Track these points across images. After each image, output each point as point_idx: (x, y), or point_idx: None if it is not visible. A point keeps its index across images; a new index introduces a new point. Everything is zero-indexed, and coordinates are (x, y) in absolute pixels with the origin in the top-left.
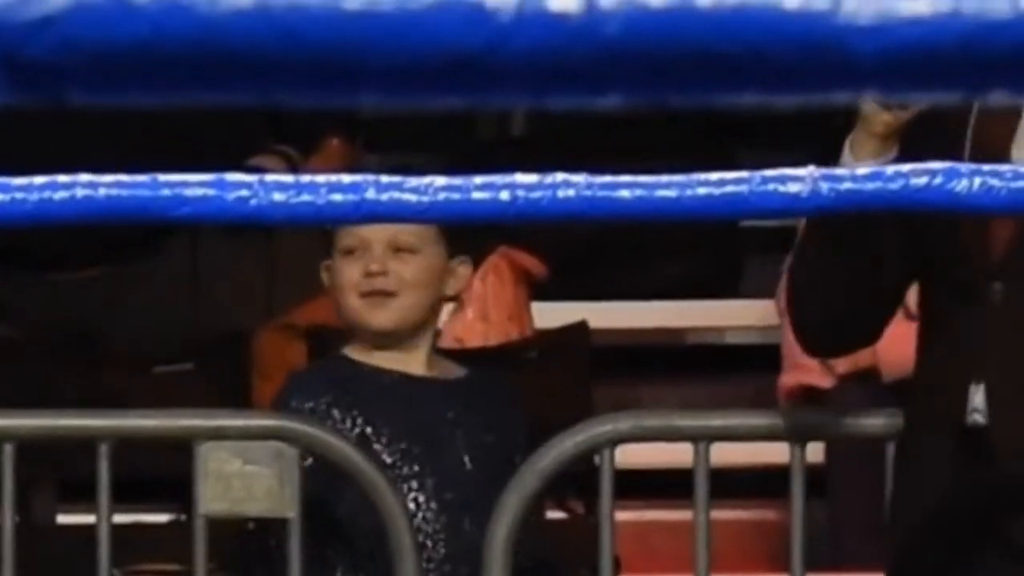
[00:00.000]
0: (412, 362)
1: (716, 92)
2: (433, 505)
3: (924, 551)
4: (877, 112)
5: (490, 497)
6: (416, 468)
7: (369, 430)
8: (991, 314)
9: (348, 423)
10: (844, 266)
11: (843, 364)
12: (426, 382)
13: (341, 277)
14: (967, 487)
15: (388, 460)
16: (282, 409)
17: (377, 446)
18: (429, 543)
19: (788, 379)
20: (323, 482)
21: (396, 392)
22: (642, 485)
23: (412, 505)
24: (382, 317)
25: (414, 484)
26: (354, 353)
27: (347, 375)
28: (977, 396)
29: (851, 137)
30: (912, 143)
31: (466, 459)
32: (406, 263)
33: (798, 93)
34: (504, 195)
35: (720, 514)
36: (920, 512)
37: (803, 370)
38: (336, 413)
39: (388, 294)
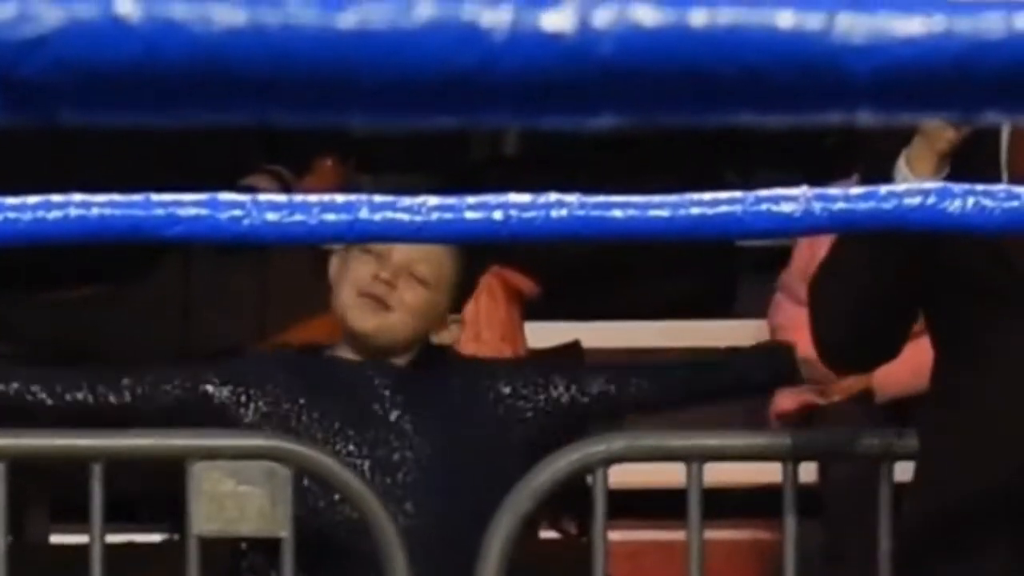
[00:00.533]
0: (395, 358)
1: (710, 112)
2: (377, 483)
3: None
4: (941, 128)
5: (442, 486)
6: (351, 448)
7: (306, 418)
8: None
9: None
10: (878, 281)
11: (838, 389)
12: (379, 367)
13: (349, 270)
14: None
15: (323, 439)
16: (241, 369)
17: (308, 425)
18: None
19: (785, 402)
20: (317, 498)
21: (341, 374)
22: (635, 505)
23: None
24: (369, 322)
25: (351, 462)
26: (334, 349)
27: (303, 359)
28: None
29: (908, 152)
30: (953, 166)
31: (412, 445)
32: (413, 290)
33: (792, 113)
34: (497, 215)
35: (713, 534)
36: (942, 523)
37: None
38: (269, 387)
39: (385, 306)
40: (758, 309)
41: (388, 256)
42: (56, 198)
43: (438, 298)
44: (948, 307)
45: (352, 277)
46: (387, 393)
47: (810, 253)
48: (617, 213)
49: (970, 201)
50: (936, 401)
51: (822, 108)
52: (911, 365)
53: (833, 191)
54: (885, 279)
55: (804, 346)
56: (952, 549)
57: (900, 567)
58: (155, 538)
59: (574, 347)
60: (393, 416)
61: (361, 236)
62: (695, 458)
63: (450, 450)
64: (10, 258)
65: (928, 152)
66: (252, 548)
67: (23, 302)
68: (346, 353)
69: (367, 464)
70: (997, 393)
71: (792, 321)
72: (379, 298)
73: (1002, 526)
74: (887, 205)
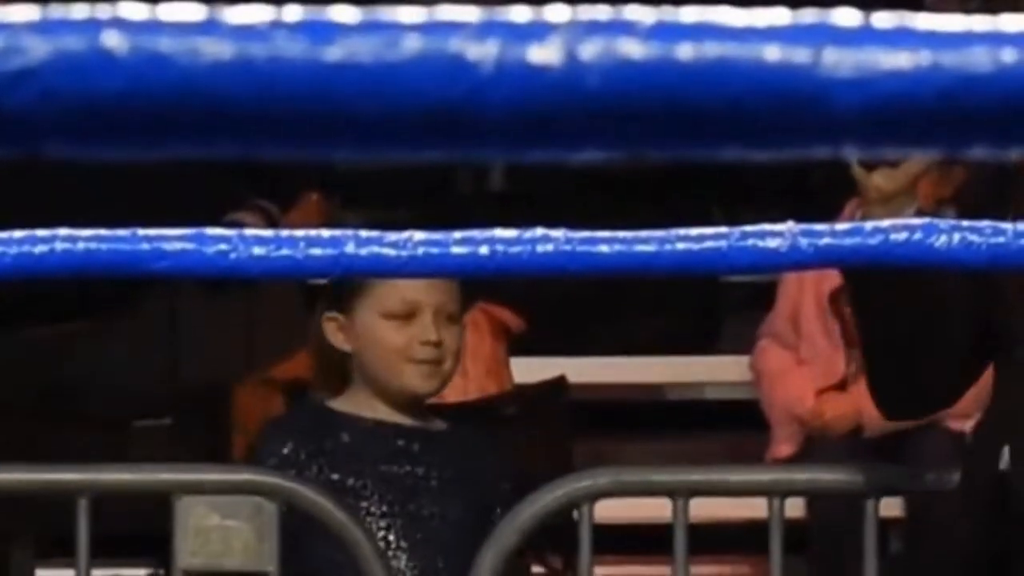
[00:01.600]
0: (403, 414)
1: (696, 145)
2: (403, 544)
3: None
4: (865, 178)
5: (466, 544)
6: (384, 508)
7: (335, 476)
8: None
9: (315, 469)
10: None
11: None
12: (403, 428)
13: (386, 341)
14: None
15: (354, 503)
16: (256, 458)
17: (343, 491)
18: None
19: (783, 449)
20: (302, 533)
21: (369, 438)
22: (621, 540)
23: (382, 544)
24: (431, 384)
25: (383, 523)
26: (336, 403)
27: (318, 424)
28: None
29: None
30: (967, 204)
31: (440, 504)
32: (451, 332)
33: (778, 147)
34: (483, 250)
35: (699, 569)
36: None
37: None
38: (302, 459)
39: (439, 363)
40: (743, 346)
41: (419, 312)
42: (42, 233)
43: (460, 327)
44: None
45: (392, 347)
46: (410, 451)
47: (796, 297)
48: (603, 248)
49: (956, 237)
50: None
51: (809, 142)
52: None
53: (819, 227)
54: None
55: (793, 390)
56: None
57: None
58: (141, 573)
59: (560, 382)
60: (419, 472)
61: (347, 270)
62: (681, 493)
63: (469, 503)
64: None
65: (867, 205)
66: None
67: (5, 338)
68: (353, 406)
69: (399, 523)
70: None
71: (779, 366)
72: (435, 360)
73: None
74: (873, 240)
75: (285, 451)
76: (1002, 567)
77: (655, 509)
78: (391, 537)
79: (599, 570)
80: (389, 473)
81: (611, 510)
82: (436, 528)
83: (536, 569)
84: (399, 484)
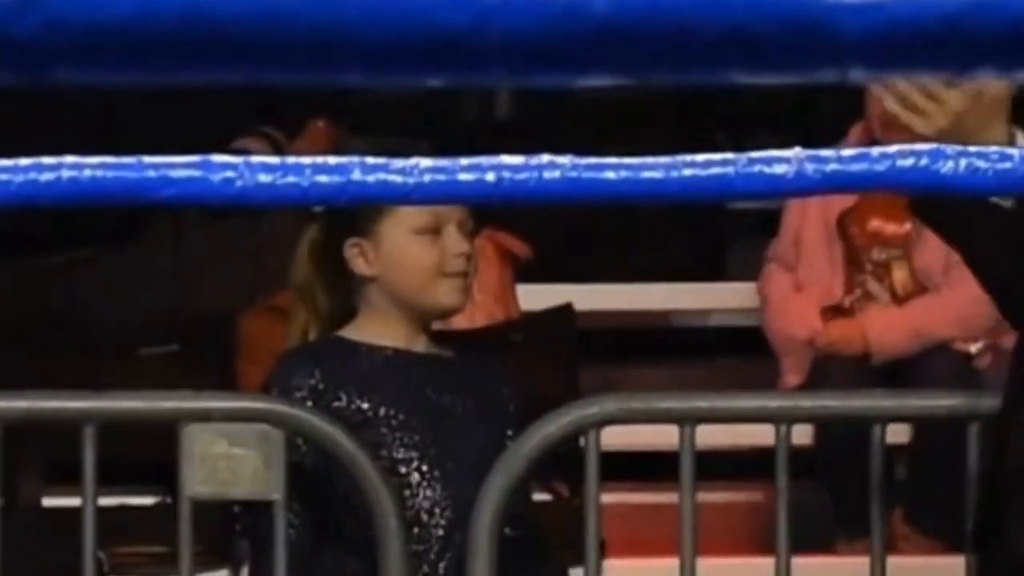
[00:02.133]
0: (417, 340)
1: (702, 71)
2: (436, 474)
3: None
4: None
5: (487, 469)
6: (416, 438)
7: (365, 405)
8: None
9: (344, 399)
10: None
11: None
12: (421, 357)
13: (420, 258)
14: None
15: (387, 434)
16: (275, 389)
17: (375, 421)
18: (437, 510)
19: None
20: (319, 459)
21: (391, 367)
22: (628, 467)
23: (416, 475)
24: (460, 298)
25: (415, 454)
26: (348, 333)
27: (339, 353)
28: None
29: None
30: None
31: (466, 431)
32: (471, 245)
33: (784, 72)
34: (490, 176)
35: (706, 496)
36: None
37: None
38: (330, 390)
39: (467, 276)
40: (749, 272)
41: (445, 225)
42: (48, 160)
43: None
44: None
45: (426, 262)
46: (433, 379)
47: (799, 221)
48: (610, 175)
49: (963, 163)
50: None
51: (814, 67)
52: (908, 327)
53: (825, 152)
54: None
55: (796, 315)
56: None
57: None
58: (147, 501)
59: (566, 310)
60: (445, 400)
61: (354, 198)
62: (688, 420)
63: (490, 429)
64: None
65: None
66: (245, 509)
67: (11, 266)
68: (371, 334)
69: (432, 452)
70: None
71: (783, 290)
72: (465, 272)
73: None
74: (880, 167)
75: (312, 382)
76: (996, 500)
77: (662, 436)
78: (424, 467)
79: (605, 497)
80: (417, 402)
81: (617, 437)
82: (464, 457)
83: (543, 496)
84: (427, 413)
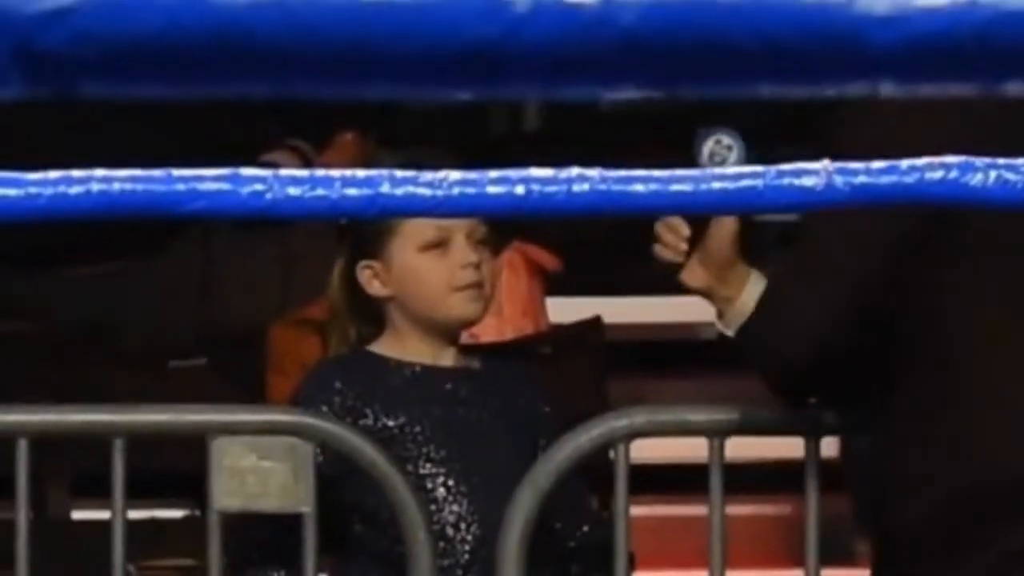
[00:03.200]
0: (444, 355)
1: (731, 83)
2: (463, 488)
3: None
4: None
5: (515, 484)
6: (444, 453)
7: (391, 423)
8: None
9: (371, 416)
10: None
11: None
12: (448, 372)
13: (429, 275)
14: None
15: (412, 449)
16: (303, 404)
17: (400, 437)
18: (463, 525)
19: None
20: (343, 473)
21: (419, 383)
22: (657, 480)
23: (442, 490)
24: (476, 308)
25: (442, 469)
26: (377, 347)
27: (368, 369)
28: None
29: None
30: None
31: (493, 445)
32: (484, 255)
33: (814, 84)
34: (519, 189)
35: (735, 509)
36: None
37: None
38: (357, 407)
39: (481, 285)
40: None
41: (451, 239)
42: (77, 173)
43: (490, 251)
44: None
45: (436, 278)
46: (459, 394)
47: None
48: (639, 188)
49: (992, 175)
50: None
51: (844, 79)
52: None
53: (855, 165)
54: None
55: None
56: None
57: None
58: (176, 514)
59: (595, 322)
60: (472, 415)
61: (383, 210)
62: (717, 432)
63: (517, 441)
64: (28, 235)
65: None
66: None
67: (42, 279)
68: (401, 349)
69: (458, 467)
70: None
71: None
72: (477, 283)
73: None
74: (909, 179)
75: (339, 397)
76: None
77: (691, 449)
78: (451, 482)
79: (635, 510)
80: (443, 417)
81: (647, 450)
82: (492, 470)
83: None
84: (454, 428)
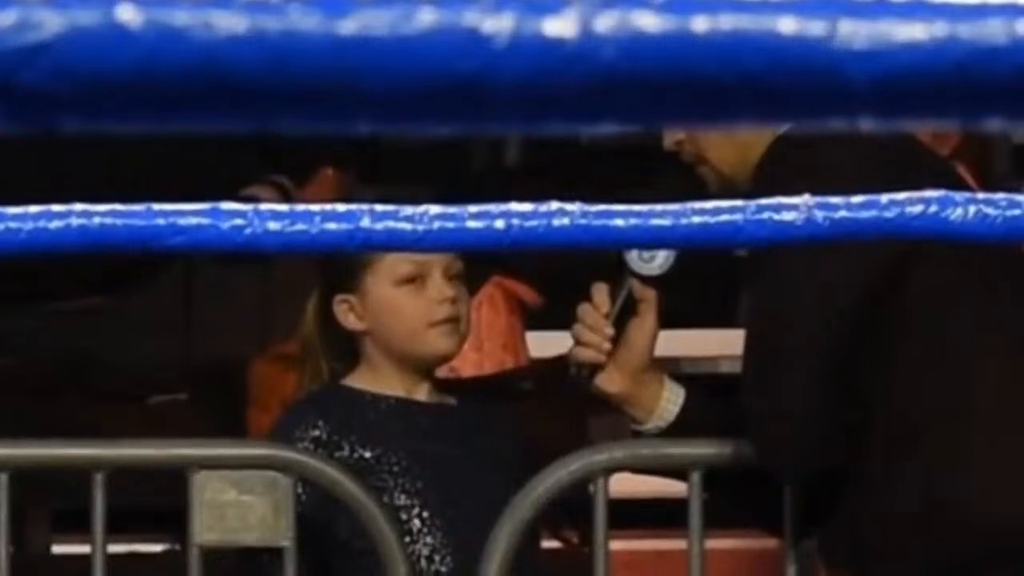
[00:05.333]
0: (419, 390)
1: (711, 118)
2: (438, 521)
3: None
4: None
5: (490, 517)
6: (419, 485)
7: (368, 454)
8: None
9: (347, 449)
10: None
11: None
12: (423, 406)
13: (404, 309)
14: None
15: (388, 480)
16: (280, 440)
17: (376, 467)
18: (437, 557)
19: None
20: (322, 506)
21: (394, 416)
22: (637, 514)
23: (417, 522)
24: (451, 343)
25: (418, 501)
26: (352, 381)
27: (343, 402)
28: None
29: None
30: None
31: (468, 480)
32: (460, 290)
33: (793, 119)
34: (499, 223)
35: (714, 543)
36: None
37: None
38: (333, 441)
39: (457, 320)
40: None
41: (429, 274)
42: (57, 208)
43: (464, 286)
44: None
45: (412, 313)
46: (435, 428)
47: None
48: (619, 222)
49: (972, 209)
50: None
51: (823, 114)
52: None
53: (834, 200)
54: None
55: None
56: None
57: None
58: (156, 548)
59: None
60: (446, 449)
61: (363, 245)
62: (697, 467)
63: (492, 477)
64: (9, 269)
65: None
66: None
67: (22, 313)
68: (375, 382)
69: (433, 500)
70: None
71: None
72: (453, 318)
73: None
74: (889, 214)
75: (316, 433)
76: None
77: (671, 483)
78: (425, 514)
79: (614, 544)
80: (419, 450)
81: (626, 484)
82: (466, 504)
83: (551, 543)
84: (429, 461)
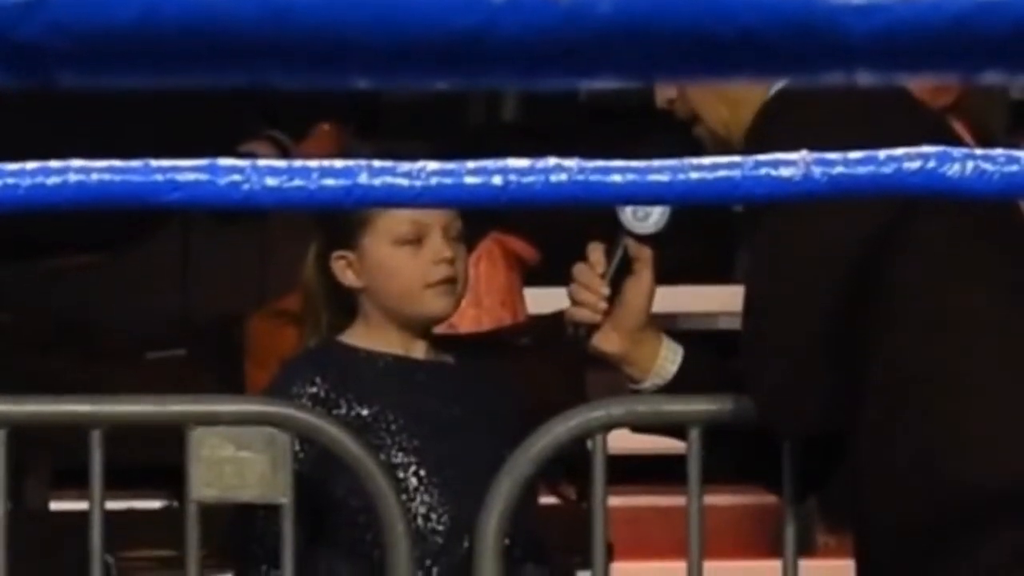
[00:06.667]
0: (416, 347)
1: (707, 73)
2: (435, 479)
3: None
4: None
5: (487, 476)
6: (416, 443)
7: (365, 412)
8: None
9: (344, 407)
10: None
11: None
12: (420, 364)
13: (402, 269)
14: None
15: (385, 438)
16: (277, 397)
17: (374, 425)
18: (433, 516)
19: None
20: (318, 464)
21: (391, 374)
22: (635, 470)
23: (414, 480)
24: (446, 304)
25: (414, 459)
26: (349, 338)
27: (341, 360)
28: None
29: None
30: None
31: (466, 438)
32: (459, 250)
33: (790, 74)
34: (496, 180)
35: (713, 499)
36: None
37: None
38: (331, 398)
39: (454, 281)
40: None
41: (428, 233)
42: (55, 164)
43: (464, 246)
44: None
45: (409, 272)
46: (432, 385)
47: None
48: (616, 178)
49: (969, 165)
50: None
51: (820, 68)
52: None
53: (832, 155)
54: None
55: None
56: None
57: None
58: (154, 504)
59: None
60: (443, 407)
61: (361, 201)
62: (695, 423)
63: (490, 436)
64: (7, 226)
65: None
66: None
67: (20, 271)
68: (372, 340)
69: (431, 458)
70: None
71: None
72: (450, 278)
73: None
74: (886, 169)
75: (313, 390)
76: None
77: (669, 439)
78: (422, 472)
79: (613, 500)
80: (416, 408)
81: (625, 440)
82: (463, 462)
83: (550, 500)
84: (426, 419)
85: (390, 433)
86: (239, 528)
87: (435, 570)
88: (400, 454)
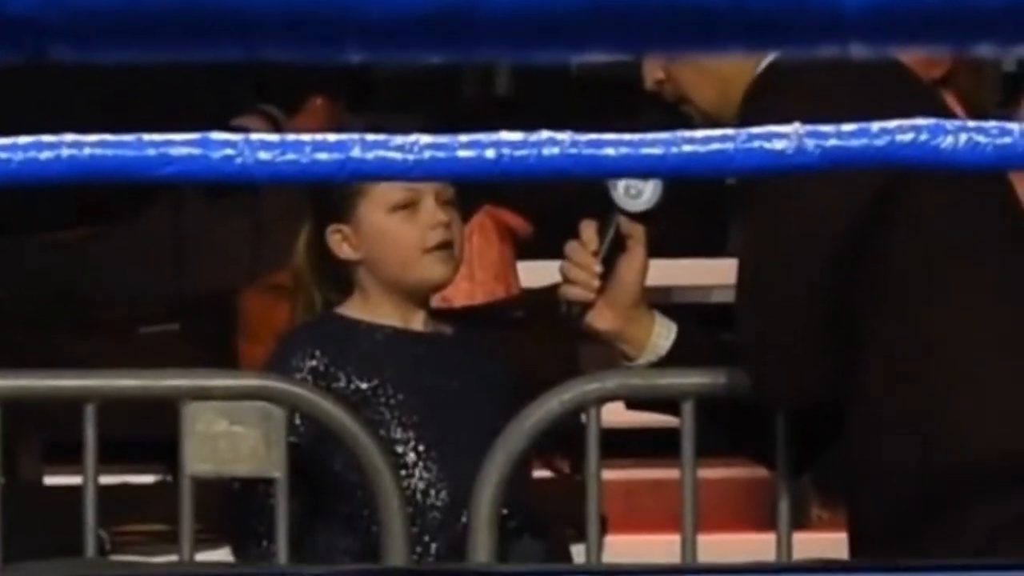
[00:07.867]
0: (414, 319)
1: (702, 45)
2: (433, 454)
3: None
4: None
5: (486, 451)
6: (415, 418)
7: (364, 385)
8: None
9: (343, 380)
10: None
11: None
12: (420, 336)
13: (399, 236)
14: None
15: (385, 413)
16: (276, 371)
17: (373, 400)
18: (432, 491)
19: None
20: (319, 438)
21: (390, 346)
22: (629, 444)
23: (413, 455)
24: (446, 269)
25: (413, 434)
26: (347, 310)
27: (339, 332)
28: None
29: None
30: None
31: (462, 411)
32: (453, 215)
33: (784, 46)
34: (489, 153)
35: (707, 472)
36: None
37: None
38: (331, 372)
39: (451, 246)
40: None
41: (420, 200)
42: (47, 138)
43: (460, 218)
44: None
45: (406, 239)
46: (431, 358)
47: None
48: (609, 151)
49: (963, 137)
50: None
51: (814, 41)
52: None
53: (825, 128)
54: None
55: None
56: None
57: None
58: (148, 479)
59: None
60: (442, 380)
61: (354, 175)
62: (689, 396)
63: (487, 409)
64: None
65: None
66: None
67: (12, 245)
68: (370, 311)
69: (430, 432)
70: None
71: None
72: (447, 242)
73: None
74: (880, 142)
75: (312, 363)
76: None
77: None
78: (421, 448)
79: (606, 473)
80: (414, 381)
81: (618, 413)
82: (462, 437)
83: (544, 473)
84: (425, 393)
85: (389, 408)
86: (239, 503)
87: (434, 546)
88: (399, 429)
